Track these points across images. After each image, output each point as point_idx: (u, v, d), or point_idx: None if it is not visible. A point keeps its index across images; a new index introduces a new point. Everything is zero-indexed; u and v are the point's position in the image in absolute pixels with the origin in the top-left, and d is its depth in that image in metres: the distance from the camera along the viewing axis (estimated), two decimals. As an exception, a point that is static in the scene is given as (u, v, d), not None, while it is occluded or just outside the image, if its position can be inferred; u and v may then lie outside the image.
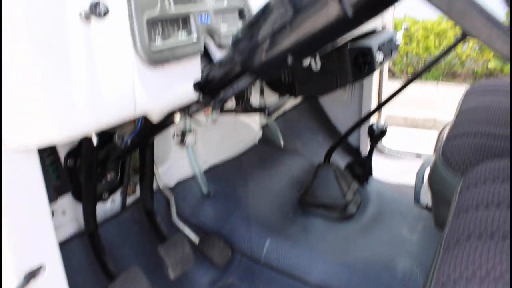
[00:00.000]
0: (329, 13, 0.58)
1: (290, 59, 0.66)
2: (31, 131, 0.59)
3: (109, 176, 1.15)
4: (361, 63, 1.37)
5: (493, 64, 4.71)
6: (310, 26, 0.61)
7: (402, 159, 1.95)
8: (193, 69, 0.76)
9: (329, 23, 0.59)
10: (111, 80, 0.63)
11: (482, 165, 0.86)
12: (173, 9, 0.72)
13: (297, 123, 1.75)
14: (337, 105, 1.94)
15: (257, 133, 1.54)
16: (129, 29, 0.65)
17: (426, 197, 1.45)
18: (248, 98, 0.95)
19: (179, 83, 0.74)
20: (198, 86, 0.77)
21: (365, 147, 1.94)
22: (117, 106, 0.65)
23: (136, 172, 1.18)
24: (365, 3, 0.56)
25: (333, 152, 1.41)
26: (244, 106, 0.92)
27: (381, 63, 1.42)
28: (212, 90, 0.78)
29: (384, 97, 1.83)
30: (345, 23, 0.59)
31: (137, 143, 0.97)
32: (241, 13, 0.87)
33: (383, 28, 1.66)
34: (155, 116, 0.75)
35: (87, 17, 0.58)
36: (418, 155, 1.96)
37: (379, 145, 2.00)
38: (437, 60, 1.53)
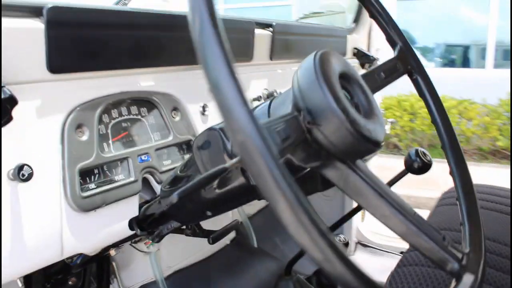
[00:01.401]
0: (235, 182, 0.61)
1: (209, 213, 0.69)
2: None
3: (71, 281, 1.16)
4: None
5: (502, 142, 4.71)
6: (219, 191, 0.63)
7: (385, 255, 1.92)
8: (130, 208, 0.79)
9: (237, 190, 0.62)
10: (37, 227, 0.66)
11: None
12: (111, 154, 0.76)
13: (274, 220, 1.74)
14: (320, 199, 1.94)
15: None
16: (61, 180, 0.69)
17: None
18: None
19: (113, 223, 0.77)
20: (135, 222, 0.80)
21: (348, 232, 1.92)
22: (43, 251, 0.68)
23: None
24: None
25: (297, 260, 1.40)
26: (193, 229, 0.94)
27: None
28: (150, 225, 0.81)
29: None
30: (254, 190, 0.62)
31: (87, 261, 0.99)
32: (189, 146, 0.91)
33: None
34: (89, 252, 0.78)
35: (14, 178, 0.62)
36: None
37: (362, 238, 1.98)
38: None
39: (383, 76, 0.69)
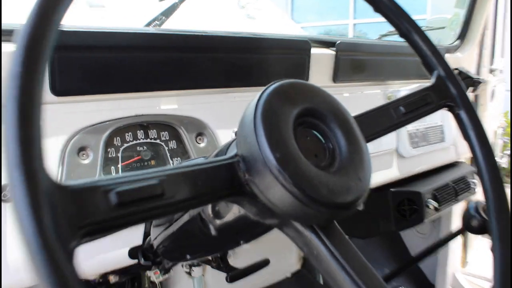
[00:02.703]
0: (197, 230, 0.53)
1: (188, 257, 0.63)
2: None
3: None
4: (406, 210, 1.22)
5: None
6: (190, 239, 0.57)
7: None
8: (133, 235, 0.76)
9: (203, 238, 0.54)
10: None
11: None
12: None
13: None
14: (414, 236, 1.72)
15: (293, 264, 1.44)
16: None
17: None
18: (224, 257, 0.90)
19: (113, 249, 0.74)
20: (139, 250, 0.76)
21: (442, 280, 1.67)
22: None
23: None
24: (228, 227, 0.50)
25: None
26: (217, 262, 0.87)
27: (438, 210, 1.23)
28: (154, 257, 0.76)
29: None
30: (218, 239, 0.54)
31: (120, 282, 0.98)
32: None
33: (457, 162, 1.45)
34: (83, 277, 0.76)
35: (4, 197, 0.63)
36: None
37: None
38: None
39: (402, 111, 0.55)
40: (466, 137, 0.57)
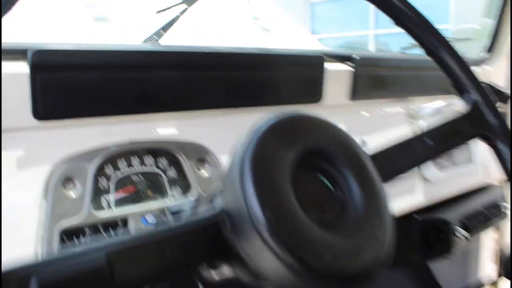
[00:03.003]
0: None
1: None
2: None
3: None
4: (432, 240, 1.11)
5: None
6: None
7: None
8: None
9: None
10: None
11: None
12: (109, 212, 0.66)
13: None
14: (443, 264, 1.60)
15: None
16: (37, 240, 0.60)
17: None
18: None
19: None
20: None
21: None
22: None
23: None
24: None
25: None
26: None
27: (468, 239, 1.13)
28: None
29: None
30: None
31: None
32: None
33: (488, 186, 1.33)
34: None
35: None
36: None
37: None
38: None
39: (428, 144, 0.46)
40: (507, 171, 0.47)
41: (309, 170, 0.34)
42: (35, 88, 0.58)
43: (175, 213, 0.61)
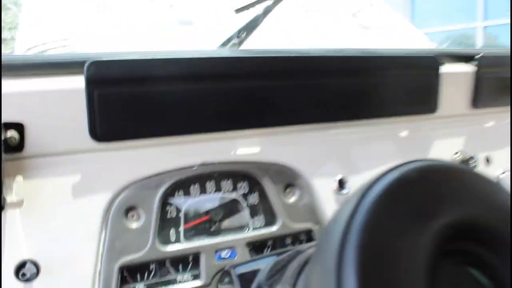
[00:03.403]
0: None
1: None
2: None
3: None
4: None
5: None
6: None
7: None
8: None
9: None
10: None
11: None
12: (178, 246, 0.57)
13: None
14: None
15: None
16: (93, 279, 0.53)
17: None
18: None
19: None
20: None
21: None
22: None
23: None
24: None
25: None
26: None
27: None
28: None
29: None
30: None
31: None
32: (308, 239, 0.64)
33: None
34: None
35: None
36: None
37: None
38: None
39: None
40: None
41: (455, 260, 0.20)
42: (92, 105, 0.50)
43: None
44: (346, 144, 0.68)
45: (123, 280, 0.54)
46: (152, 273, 0.56)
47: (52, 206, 0.52)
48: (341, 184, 0.66)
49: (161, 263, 0.56)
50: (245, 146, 0.62)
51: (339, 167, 0.67)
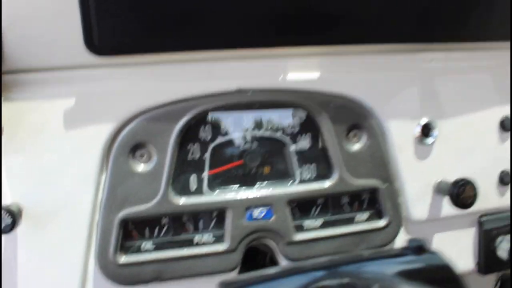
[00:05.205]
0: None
1: None
2: None
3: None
4: None
5: None
6: None
7: None
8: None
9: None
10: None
11: None
12: (200, 198, 0.44)
13: None
14: None
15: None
16: (88, 234, 0.41)
17: None
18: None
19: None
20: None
21: None
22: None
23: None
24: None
25: None
26: None
27: None
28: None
29: None
30: None
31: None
32: (372, 201, 0.49)
33: None
34: None
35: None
36: None
37: None
38: None
39: None
40: None
41: None
42: (86, 4, 0.35)
43: None
44: (439, 78, 0.49)
45: (127, 235, 0.42)
46: (164, 229, 0.44)
47: (38, 138, 0.40)
48: (426, 130, 0.49)
49: (175, 218, 0.44)
50: (298, 70, 0.46)
51: (426, 107, 0.49)
